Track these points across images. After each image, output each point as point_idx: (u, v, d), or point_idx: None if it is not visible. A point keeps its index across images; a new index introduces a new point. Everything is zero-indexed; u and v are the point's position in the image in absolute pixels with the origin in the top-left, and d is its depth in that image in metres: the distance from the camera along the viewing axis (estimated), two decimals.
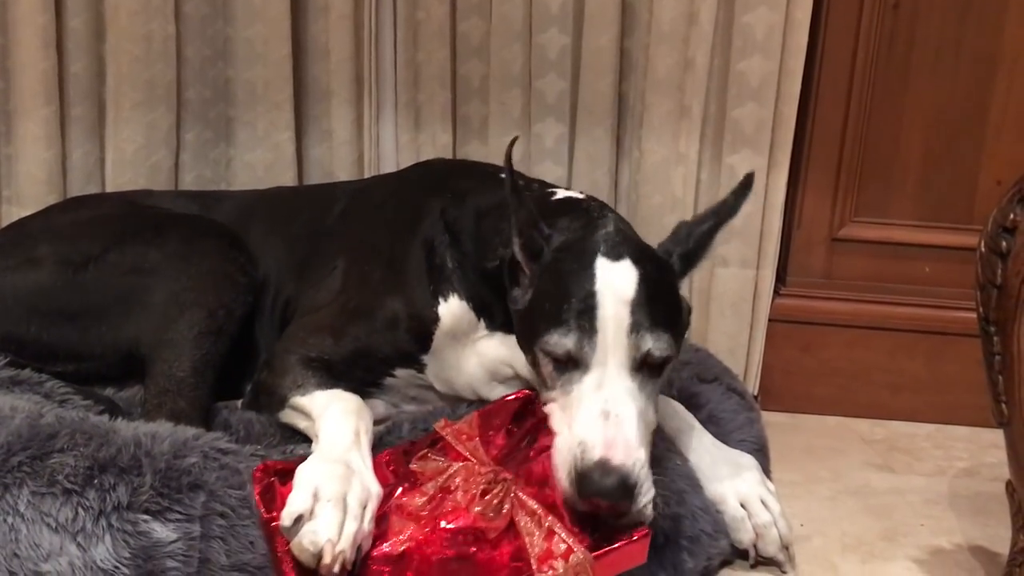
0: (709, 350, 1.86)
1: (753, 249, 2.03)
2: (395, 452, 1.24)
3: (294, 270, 1.63)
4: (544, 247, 1.27)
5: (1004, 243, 1.26)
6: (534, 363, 1.25)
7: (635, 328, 1.16)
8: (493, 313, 1.39)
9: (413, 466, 1.20)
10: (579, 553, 1.08)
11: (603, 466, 1.09)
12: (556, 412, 1.19)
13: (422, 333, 1.41)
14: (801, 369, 2.11)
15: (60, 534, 1.09)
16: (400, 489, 1.17)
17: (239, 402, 1.51)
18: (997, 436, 1.38)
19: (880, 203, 2.07)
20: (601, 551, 1.10)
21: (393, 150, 2.12)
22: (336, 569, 1.03)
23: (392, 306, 1.42)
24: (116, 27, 1.97)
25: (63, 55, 1.98)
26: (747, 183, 1.37)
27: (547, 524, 1.11)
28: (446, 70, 2.02)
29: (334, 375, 1.39)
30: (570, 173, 2.07)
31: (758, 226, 2.02)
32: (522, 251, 1.28)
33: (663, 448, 1.34)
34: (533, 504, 1.13)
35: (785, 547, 1.34)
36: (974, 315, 1.35)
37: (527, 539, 1.10)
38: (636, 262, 1.22)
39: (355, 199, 1.69)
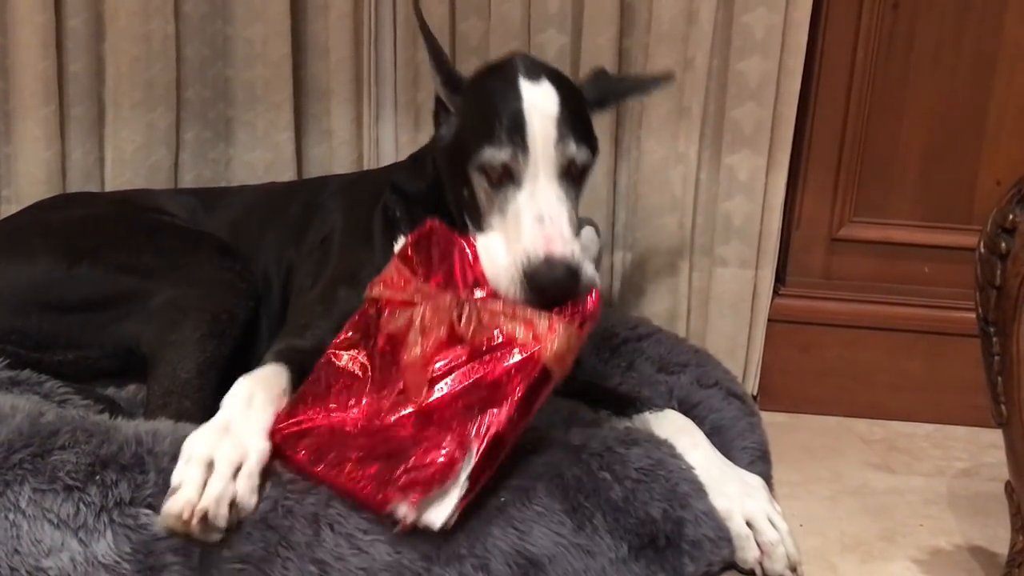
0: (708, 350, 1.86)
1: (752, 249, 2.03)
2: (360, 341, 1.28)
3: (291, 247, 1.66)
4: (462, 79, 1.42)
5: (1003, 244, 1.26)
6: (468, 189, 1.35)
7: (561, 139, 1.31)
8: None
9: (387, 331, 1.26)
10: (561, 324, 1.20)
11: (548, 262, 1.22)
12: (491, 234, 1.31)
13: None
14: (800, 369, 2.11)
15: (62, 530, 1.09)
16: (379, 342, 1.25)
17: None
18: (996, 436, 1.38)
19: (879, 203, 2.07)
20: (576, 319, 1.22)
21: (393, 149, 2.12)
22: (196, 522, 1.04)
23: (368, 265, 1.46)
24: (115, 27, 1.97)
25: (62, 55, 1.98)
26: (669, 77, 1.63)
27: (522, 316, 1.21)
28: None
29: (314, 357, 1.39)
30: None
31: (757, 226, 2.02)
32: (443, 87, 1.42)
33: (666, 452, 1.34)
34: (500, 306, 1.23)
35: (793, 568, 1.33)
36: (973, 315, 1.35)
37: (516, 336, 1.19)
38: (554, 83, 1.36)
39: (343, 188, 1.72)
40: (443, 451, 1.12)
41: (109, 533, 1.09)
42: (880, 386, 2.10)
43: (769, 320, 2.08)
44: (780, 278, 2.11)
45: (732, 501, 1.32)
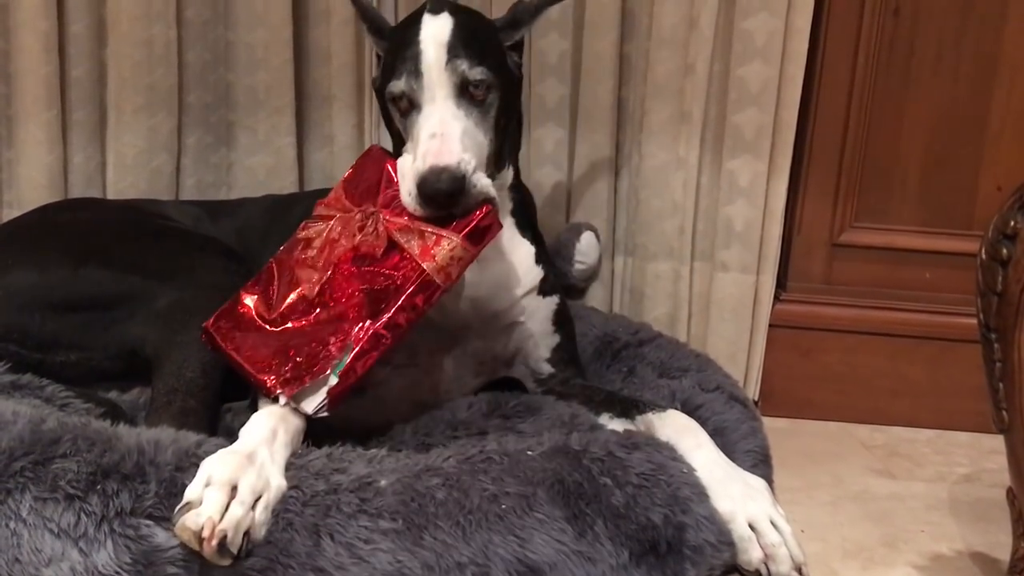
0: (709, 355, 1.86)
1: (753, 254, 2.03)
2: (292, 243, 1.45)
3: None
4: (386, 25, 1.55)
5: (1005, 250, 1.26)
6: (389, 121, 1.49)
7: (451, 60, 1.39)
8: None
9: (300, 235, 1.44)
10: (449, 237, 1.32)
11: (432, 170, 1.31)
12: (405, 153, 1.42)
13: None
14: (801, 374, 2.11)
15: (62, 539, 1.09)
16: (296, 250, 1.42)
17: (245, 403, 1.51)
18: (998, 442, 1.38)
19: (880, 208, 2.07)
20: (464, 230, 1.33)
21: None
22: (214, 543, 1.06)
23: None
24: (117, 32, 1.97)
25: (65, 60, 1.98)
26: None
27: (416, 228, 1.34)
28: None
29: None
30: (570, 177, 2.07)
31: (758, 231, 2.02)
32: (371, 34, 1.57)
33: (667, 456, 1.34)
34: (401, 220, 1.36)
35: (797, 568, 1.33)
36: (974, 321, 1.35)
37: (405, 246, 1.33)
38: (454, 13, 1.44)
39: None
40: (327, 347, 1.29)
41: (109, 543, 1.09)
42: (881, 391, 2.10)
43: (770, 325, 2.08)
44: (781, 283, 2.12)
45: (735, 503, 1.32)
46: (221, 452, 1.16)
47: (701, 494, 1.33)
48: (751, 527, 1.31)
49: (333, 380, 1.27)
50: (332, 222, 1.42)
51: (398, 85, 1.40)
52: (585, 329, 1.82)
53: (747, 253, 2.03)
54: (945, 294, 2.07)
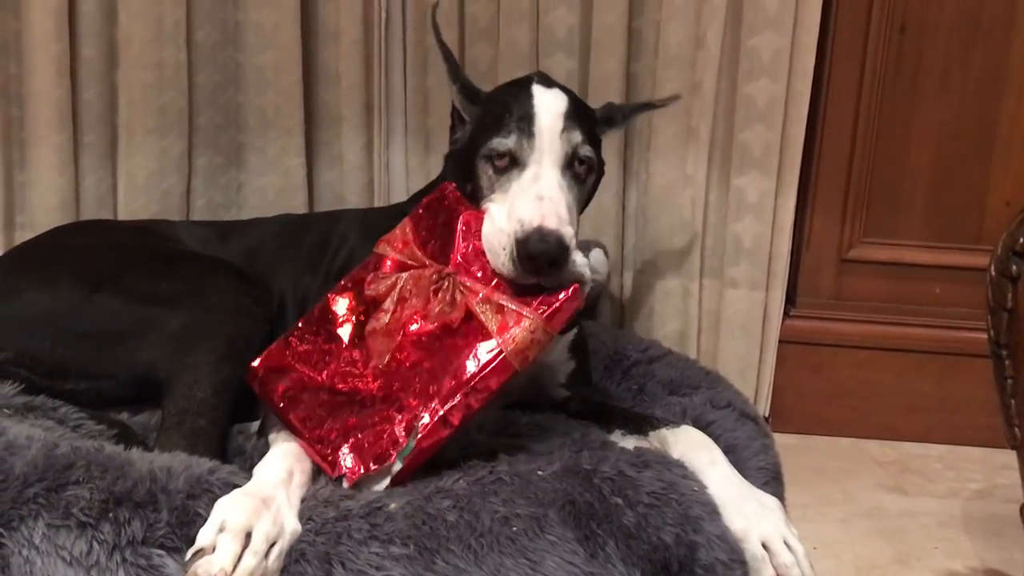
0: (719, 372, 1.86)
1: (762, 271, 2.03)
2: (352, 288, 1.35)
3: (307, 276, 1.69)
4: (479, 91, 1.52)
5: (1014, 267, 1.26)
6: (474, 182, 1.41)
7: (566, 131, 1.38)
8: None
9: (368, 292, 1.33)
10: (529, 315, 1.26)
11: (540, 231, 1.27)
12: (492, 208, 1.36)
13: None
14: (812, 390, 2.11)
15: (74, 568, 1.08)
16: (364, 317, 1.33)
17: (253, 425, 1.51)
18: (1010, 457, 1.38)
19: (889, 224, 2.07)
20: (546, 310, 1.27)
21: (403, 175, 2.13)
22: None
23: None
24: (129, 55, 1.99)
25: (76, 83, 2.00)
26: (674, 97, 1.68)
27: (495, 300, 1.27)
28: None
29: None
30: None
31: (767, 248, 2.02)
32: (460, 95, 1.51)
33: (678, 474, 1.34)
34: (479, 287, 1.29)
35: None
36: (985, 335, 1.35)
37: (482, 318, 1.26)
38: (565, 92, 1.45)
39: (358, 221, 1.73)
40: (392, 427, 1.22)
41: (121, 572, 1.08)
42: (892, 407, 2.10)
43: (780, 341, 2.08)
44: (790, 299, 2.11)
45: (749, 522, 1.31)
46: (236, 494, 1.13)
47: (713, 512, 1.32)
48: (764, 546, 1.31)
49: (398, 466, 1.21)
50: (403, 279, 1.33)
51: (505, 144, 1.37)
52: (595, 347, 1.82)
53: (756, 269, 2.03)
54: (954, 308, 2.07)
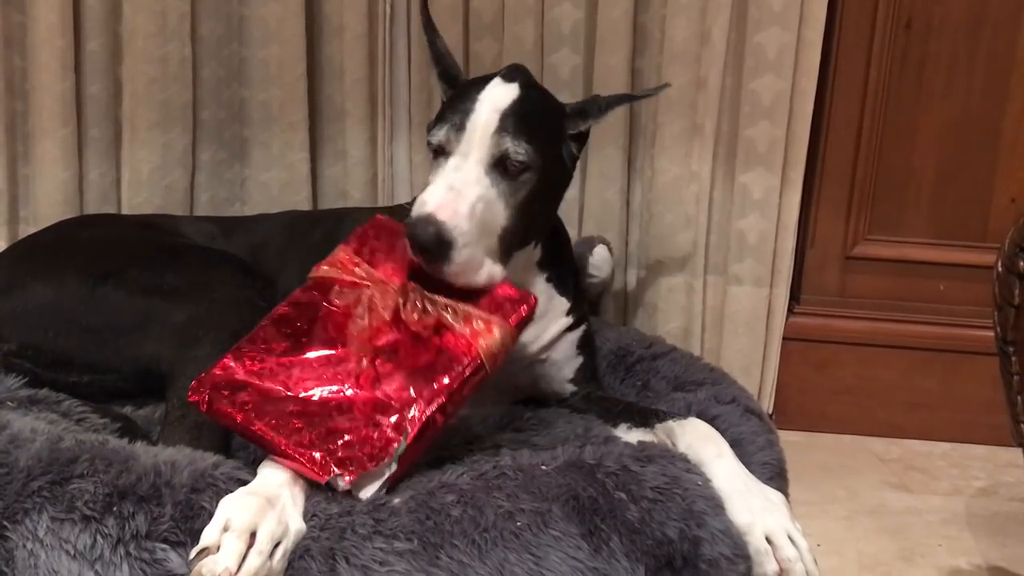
0: (723, 369, 1.85)
1: (767, 267, 2.03)
2: (307, 299, 1.34)
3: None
4: (459, 74, 1.52)
5: (1021, 263, 1.26)
6: None
7: (500, 130, 1.35)
8: None
9: (336, 301, 1.32)
10: (499, 323, 1.29)
11: (426, 219, 1.27)
12: None
13: None
14: (816, 388, 2.11)
15: (79, 561, 1.08)
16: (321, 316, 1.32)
17: None
18: (1015, 455, 1.38)
19: (894, 221, 2.07)
20: (515, 318, 1.31)
21: (407, 170, 2.13)
22: None
23: None
24: (133, 49, 1.98)
25: (80, 77, 1.99)
26: (660, 88, 1.66)
27: (461, 308, 1.29)
28: None
29: None
30: (582, 192, 2.08)
31: (771, 245, 2.02)
32: (440, 79, 1.52)
33: (682, 468, 1.34)
34: (442, 299, 1.30)
35: None
36: (990, 333, 1.35)
37: (455, 327, 1.28)
38: (524, 86, 1.41)
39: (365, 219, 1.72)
40: (381, 429, 1.20)
41: (125, 567, 1.08)
42: (896, 404, 2.10)
43: (784, 339, 2.07)
44: (795, 296, 2.11)
45: (754, 516, 1.31)
46: (241, 493, 1.12)
47: (716, 507, 1.32)
48: (768, 540, 1.31)
49: (393, 467, 1.20)
50: (368, 291, 1.33)
51: (438, 135, 1.38)
52: (599, 343, 1.82)
53: (760, 266, 2.03)
54: (959, 306, 2.06)
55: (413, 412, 1.22)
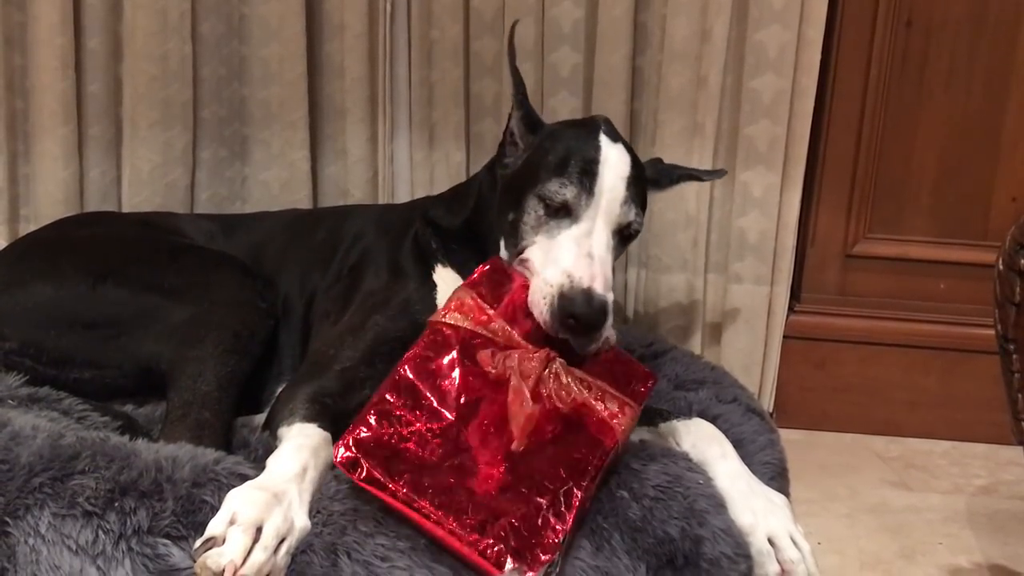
0: (724, 367, 1.86)
1: (767, 266, 2.03)
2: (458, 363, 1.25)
3: (316, 273, 1.68)
4: (542, 122, 1.48)
5: (1022, 261, 1.26)
6: (517, 213, 1.40)
7: (627, 201, 1.38)
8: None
9: (490, 371, 1.25)
10: (633, 405, 1.27)
11: (587, 294, 1.27)
12: (536, 253, 1.36)
13: (428, 302, 1.49)
14: (816, 386, 2.11)
15: (80, 556, 1.08)
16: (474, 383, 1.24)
17: (257, 418, 1.51)
18: (1015, 453, 1.38)
19: (894, 220, 2.07)
20: (641, 398, 1.30)
21: (407, 168, 2.13)
22: None
23: (401, 293, 1.51)
24: (133, 48, 1.98)
25: (81, 75, 1.99)
26: (720, 173, 1.71)
27: (597, 387, 1.27)
28: (460, 89, 2.03)
29: (345, 396, 1.41)
30: None
31: (772, 243, 2.02)
32: (521, 121, 1.47)
33: (683, 467, 1.34)
34: (578, 372, 1.27)
35: None
36: (990, 331, 1.35)
37: (596, 406, 1.24)
38: (627, 148, 1.43)
39: (371, 219, 1.73)
40: (541, 513, 1.12)
41: (127, 562, 1.08)
42: (896, 403, 2.10)
43: (784, 337, 2.08)
44: (795, 295, 2.11)
45: (757, 517, 1.32)
46: (248, 487, 1.12)
47: (718, 506, 1.32)
48: (770, 542, 1.31)
49: (558, 560, 1.12)
50: (515, 356, 1.26)
51: (563, 193, 1.35)
52: None
53: (761, 265, 2.03)
54: (960, 305, 2.07)
55: (566, 495, 1.15)
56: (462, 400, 1.22)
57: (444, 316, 1.30)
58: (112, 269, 1.52)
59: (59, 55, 1.94)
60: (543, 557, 1.10)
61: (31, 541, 1.09)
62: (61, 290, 1.50)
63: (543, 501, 1.14)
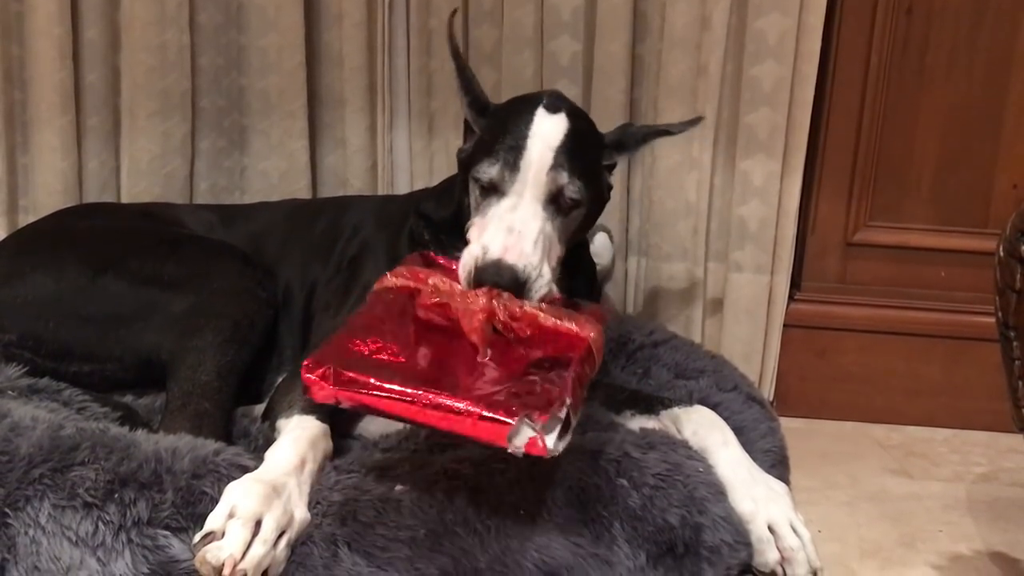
0: (724, 356, 1.85)
1: (767, 254, 2.02)
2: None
3: (317, 264, 1.69)
4: (489, 104, 1.50)
5: (1023, 247, 1.26)
6: (466, 194, 1.45)
7: (555, 167, 1.37)
8: None
9: (428, 300, 1.29)
10: (592, 323, 1.27)
11: (497, 264, 1.31)
12: (473, 232, 1.39)
13: None
14: (817, 374, 2.11)
15: (80, 548, 1.09)
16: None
17: (257, 408, 1.51)
18: (1015, 441, 1.38)
19: (895, 207, 2.06)
20: (598, 320, 1.29)
21: (407, 158, 2.12)
22: None
23: None
24: (131, 37, 1.98)
25: (79, 66, 1.99)
26: (695, 120, 1.63)
27: (551, 311, 1.28)
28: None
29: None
30: None
31: (772, 231, 2.01)
32: (469, 108, 1.50)
33: (683, 455, 1.34)
34: (529, 305, 1.29)
35: (814, 573, 1.33)
36: (991, 319, 1.34)
37: (555, 321, 1.26)
38: (570, 116, 1.42)
39: (371, 211, 1.73)
40: (547, 387, 1.11)
41: (127, 553, 1.09)
42: (897, 391, 2.10)
43: (785, 325, 2.07)
44: (795, 283, 2.11)
45: (757, 504, 1.32)
46: (247, 480, 1.12)
47: (718, 494, 1.32)
48: (770, 530, 1.31)
49: (566, 411, 1.09)
50: (456, 293, 1.30)
51: (490, 172, 1.39)
52: None
53: (761, 253, 2.02)
54: (960, 292, 2.06)
55: (559, 375, 1.15)
56: (418, 339, 1.23)
57: (382, 283, 1.33)
58: (112, 261, 1.52)
59: (57, 45, 1.94)
60: (551, 408, 1.06)
61: (31, 532, 1.09)
62: (60, 282, 1.50)
63: (534, 378, 1.14)
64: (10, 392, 1.39)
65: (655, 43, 1.99)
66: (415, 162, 2.11)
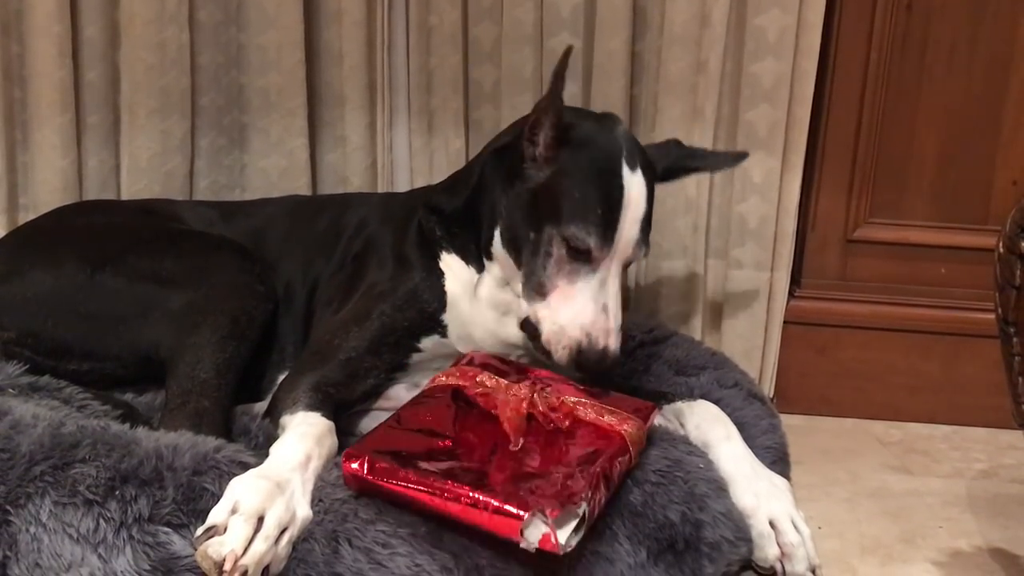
0: (725, 353, 1.86)
1: (768, 251, 2.02)
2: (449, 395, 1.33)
3: (319, 260, 1.69)
4: (570, 130, 1.44)
5: (1023, 244, 1.26)
6: (537, 237, 1.41)
7: (640, 244, 1.43)
8: (480, 260, 1.54)
9: (478, 399, 1.32)
10: (634, 420, 1.29)
11: (603, 353, 1.36)
12: (556, 297, 1.39)
13: (436, 291, 1.52)
14: (817, 371, 2.11)
15: (81, 545, 1.09)
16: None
17: (257, 406, 1.51)
18: (1015, 437, 1.38)
19: (895, 204, 2.06)
20: (643, 422, 1.32)
21: (406, 155, 2.12)
22: None
23: (408, 283, 1.52)
24: (131, 35, 1.97)
25: (78, 63, 1.99)
26: (740, 156, 1.67)
27: (592, 405, 1.31)
28: (458, 75, 2.03)
29: (349, 385, 1.42)
30: None
31: (772, 228, 2.01)
32: (551, 130, 1.42)
33: (684, 451, 1.34)
34: (571, 397, 1.32)
35: (812, 570, 1.33)
36: (991, 316, 1.34)
37: (593, 418, 1.28)
38: (645, 171, 1.44)
39: (374, 207, 1.73)
40: (570, 484, 1.14)
41: (128, 550, 1.09)
42: (897, 387, 2.10)
43: (785, 322, 2.07)
44: (795, 280, 2.11)
45: (759, 500, 1.33)
46: (251, 476, 1.12)
47: (718, 490, 1.33)
48: (771, 525, 1.31)
49: (584, 508, 1.11)
50: (500, 385, 1.33)
51: (587, 241, 1.38)
52: None
53: (761, 250, 2.02)
54: (960, 289, 2.06)
55: (586, 471, 1.16)
56: (459, 428, 1.27)
57: (434, 381, 1.37)
58: (110, 258, 1.51)
59: (56, 43, 1.93)
60: (568, 503, 1.09)
61: (32, 529, 1.10)
62: (59, 280, 1.50)
63: (558, 475, 1.15)
64: (11, 390, 1.39)
65: (655, 40, 1.99)
66: (415, 159, 2.11)
